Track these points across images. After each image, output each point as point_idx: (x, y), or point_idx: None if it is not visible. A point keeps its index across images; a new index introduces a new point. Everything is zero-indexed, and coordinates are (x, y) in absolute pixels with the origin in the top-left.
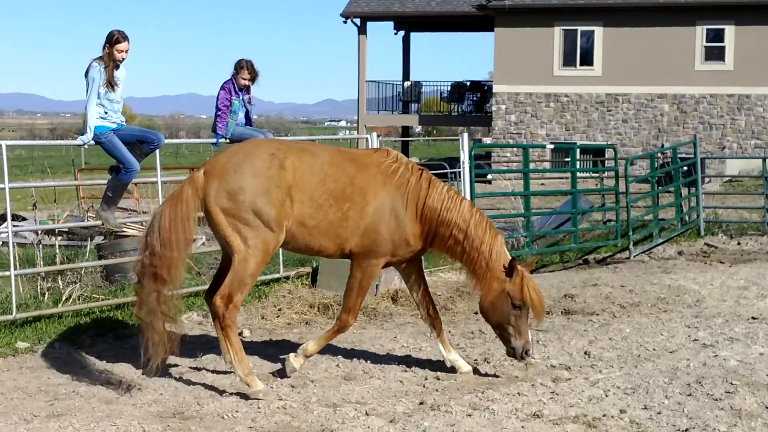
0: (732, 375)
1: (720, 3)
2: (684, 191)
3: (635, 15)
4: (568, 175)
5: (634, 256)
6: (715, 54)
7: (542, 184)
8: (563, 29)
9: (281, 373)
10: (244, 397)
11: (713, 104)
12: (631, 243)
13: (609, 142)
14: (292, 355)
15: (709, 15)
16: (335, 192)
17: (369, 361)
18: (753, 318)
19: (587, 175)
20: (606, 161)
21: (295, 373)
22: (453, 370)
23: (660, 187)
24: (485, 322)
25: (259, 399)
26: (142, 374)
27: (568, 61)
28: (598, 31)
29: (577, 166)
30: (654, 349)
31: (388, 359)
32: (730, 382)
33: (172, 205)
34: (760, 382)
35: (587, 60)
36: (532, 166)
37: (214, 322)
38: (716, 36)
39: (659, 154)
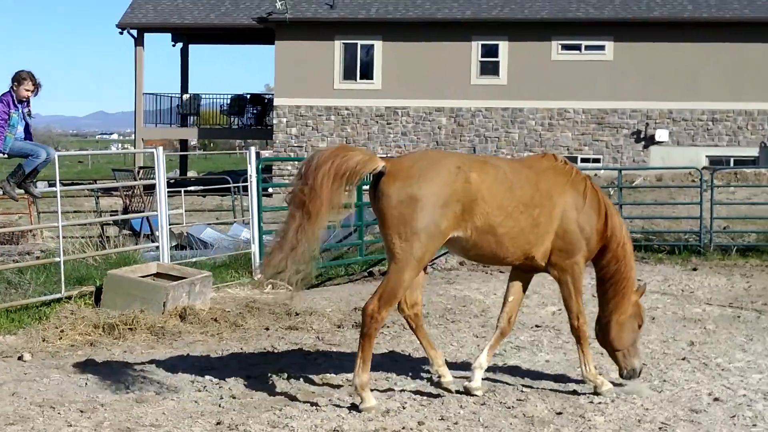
0: (522, 382)
1: (494, 19)
2: None
3: (414, 30)
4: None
5: None
6: (490, 69)
7: None
8: (343, 43)
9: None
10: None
11: (488, 117)
12: None
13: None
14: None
15: (484, 31)
16: (523, 199)
17: (160, 382)
18: (536, 326)
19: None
20: None
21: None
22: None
23: None
24: (602, 347)
25: (368, 412)
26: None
27: (349, 74)
28: (378, 45)
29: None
30: (446, 360)
31: (181, 379)
32: (520, 389)
33: (337, 154)
34: (548, 389)
35: (367, 74)
36: None
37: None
38: (491, 51)
39: None
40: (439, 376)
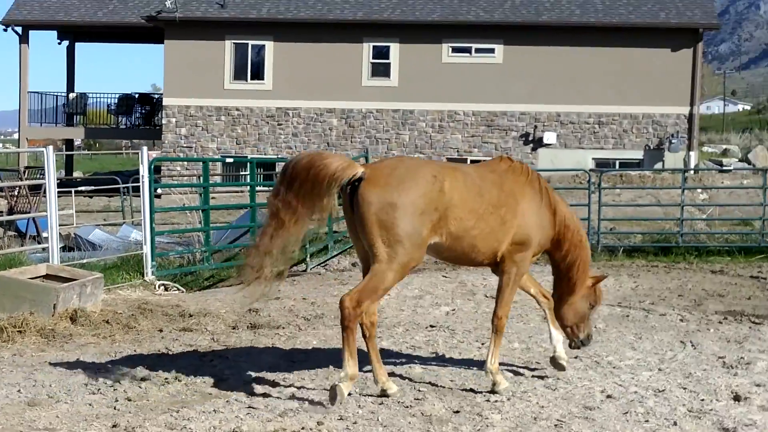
0: (419, 382)
1: (386, 21)
2: None
3: (305, 30)
4: (242, 188)
5: (311, 269)
6: (381, 70)
7: (213, 198)
8: (234, 43)
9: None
10: None
11: (380, 119)
12: (308, 256)
13: (280, 156)
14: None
15: (376, 32)
16: (492, 201)
17: (53, 385)
18: (431, 326)
19: (261, 189)
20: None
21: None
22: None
23: None
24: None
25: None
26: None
27: (239, 74)
28: (269, 46)
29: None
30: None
31: (74, 382)
32: (418, 389)
33: (317, 166)
34: (446, 387)
35: (258, 74)
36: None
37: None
38: (382, 53)
39: None
40: (384, 390)
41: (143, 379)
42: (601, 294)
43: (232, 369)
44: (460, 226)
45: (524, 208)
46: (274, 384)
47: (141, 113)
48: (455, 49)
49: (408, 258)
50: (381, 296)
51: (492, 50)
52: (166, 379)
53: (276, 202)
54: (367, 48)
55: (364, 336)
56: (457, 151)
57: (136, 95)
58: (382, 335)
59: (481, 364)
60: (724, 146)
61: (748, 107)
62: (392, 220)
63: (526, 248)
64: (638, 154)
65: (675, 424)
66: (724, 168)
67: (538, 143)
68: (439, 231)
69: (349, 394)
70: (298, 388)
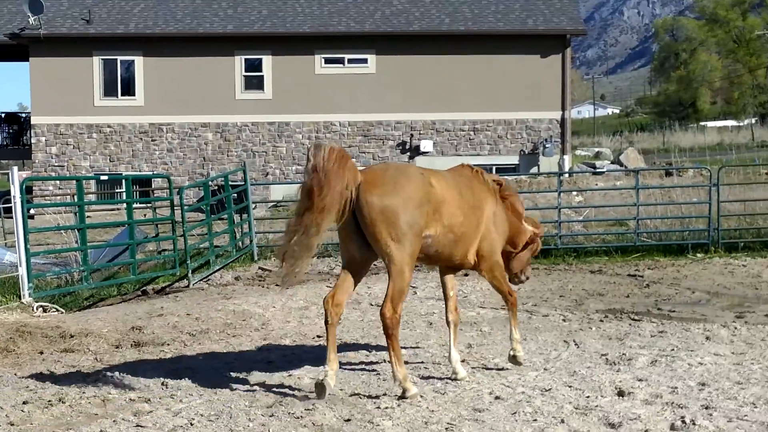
0: (309, 392)
1: (257, 34)
2: (236, 218)
3: (175, 45)
4: (117, 206)
5: (193, 284)
6: (254, 83)
7: (88, 216)
8: (102, 59)
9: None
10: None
11: (255, 132)
12: (190, 271)
13: (155, 172)
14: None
15: (247, 45)
16: (470, 202)
17: None
18: (318, 336)
19: (138, 206)
20: (155, 191)
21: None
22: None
23: (214, 215)
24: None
25: (413, 400)
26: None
27: (109, 91)
28: (139, 61)
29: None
30: (230, 374)
31: None
32: (307, 399)
33: (341, 152)
34: (336, 397)
35: (129, 90)
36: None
37: (384, 331)
38: (255, 66)
39: (211, 182)
40: (325, 376)
41: (25, 403)
42: (539, 244)
43: (118, 388)
44: (450, 221)
45: (491, 212)
46: (161, 401)
47: (8, 133)
48: (328, 60)
49: (414, 248)
50: (407, 293)
51: (365, 60)
52: (49, 401)
53: (312, 184)
54: (239, 61)
55: (326, 324)
56: None
57: (2, 114)
58: (270, 347)
59: (369, 372)
60: (596, 149)
61: (617, 110)
62: (395, 217)
63: (494, 251)
64: (514, 160)
65: (562, 421)
66: (598, 170)
67: (415, 151)
68: (433, 224)
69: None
70: (187, 404)
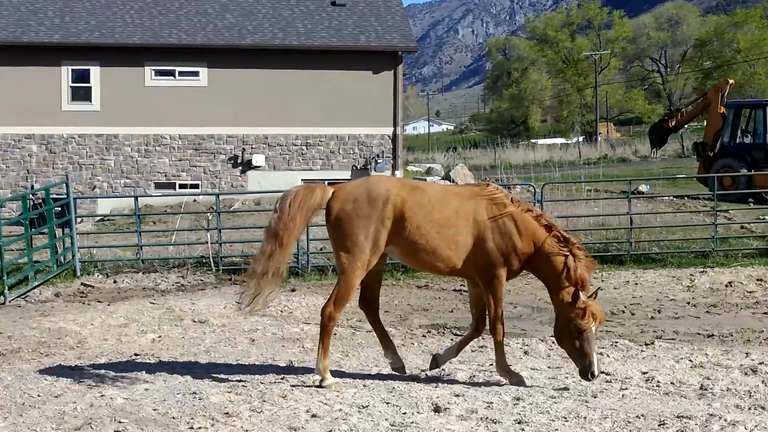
0: (120, 413)
1: (85, 44)
2: (58, 232)
3: None
4: None
5: (10, 301)
6: (81, 94)
7: None
8: None
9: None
10: None
11: (82, 144)
12: (6, 288)
13: None
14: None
15: (75, 55)
16: (441, 221)
17: None
18: (135, 354)
19: None
20: None
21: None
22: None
23: (34, 229)
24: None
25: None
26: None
27: None
28: None
29: None
30: (39, 395)
31: None
32: (118, 420)
33: (305, 193)
34: (148, 418)
35: None
36: None
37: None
38: (82, 76)
39: (31, 196)
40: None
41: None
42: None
43: None
44: (409, 238)
45: (480, 232)
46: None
47: None
48: (158, 72)
49: (364, 258)
50: (350, 297)
51: (196, 73)
52: None
53: (277, 227)
54: (66, 71)
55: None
56: (165, 176)
57: None
58: (83, 366)
59: (185, 393)
60: (429, 165)
61: (452, 127)
62: (342, 231)
63: (493, 270)
64: (346, 174)
65: None
66: None
67: (247, 166)
68: (394, 237)
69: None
70: None
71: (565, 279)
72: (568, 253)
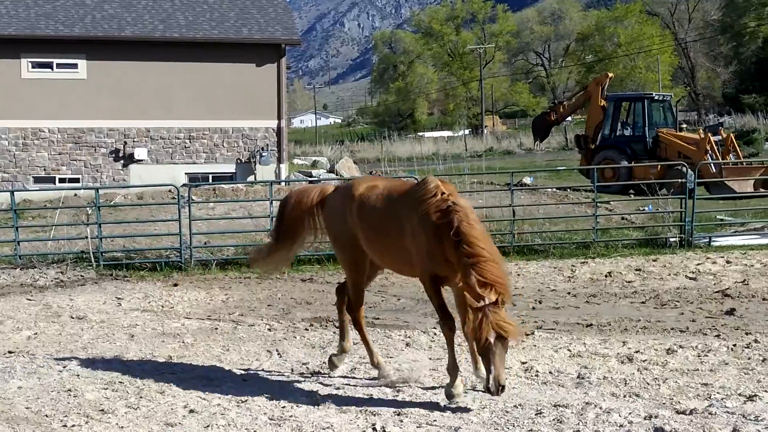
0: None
1: None
2: None
3: None
4: None
5: None
6: None
7: None
8: None
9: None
10: None
11: None
12: None
13: None
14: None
15: None
16: (381, 221)
17: None
18: (10, 352)
19: None
20: None
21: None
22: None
23: None
24: None
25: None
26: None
27: None
28: None
29: None
30: None
31: None
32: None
33: (300, 193)
34: (20, 416)
35: None
36: None
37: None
38: None
39: None
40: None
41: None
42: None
43: None
44: (367, 237)
45: (410, 232)
46: None
47: None
48: (36, 65)
49: (349, 256)
50: (356, 292)
51: (75, 65)
52: None
53: (277, 228)
54: None
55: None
56: (45, 170)
57: None
58: None
59: (59, 390)
60: (315, 158)
61: (340, 120)
62: (327, 227)
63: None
64: (231, 168)
65: None
66: (313, 179)
67: (129, 159)
68: (362, 239)
69: None
70: None
71: None
72: None
